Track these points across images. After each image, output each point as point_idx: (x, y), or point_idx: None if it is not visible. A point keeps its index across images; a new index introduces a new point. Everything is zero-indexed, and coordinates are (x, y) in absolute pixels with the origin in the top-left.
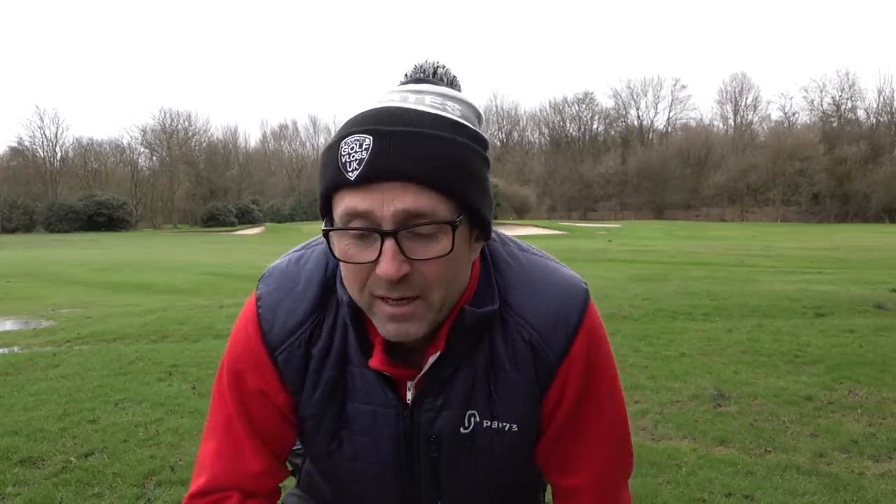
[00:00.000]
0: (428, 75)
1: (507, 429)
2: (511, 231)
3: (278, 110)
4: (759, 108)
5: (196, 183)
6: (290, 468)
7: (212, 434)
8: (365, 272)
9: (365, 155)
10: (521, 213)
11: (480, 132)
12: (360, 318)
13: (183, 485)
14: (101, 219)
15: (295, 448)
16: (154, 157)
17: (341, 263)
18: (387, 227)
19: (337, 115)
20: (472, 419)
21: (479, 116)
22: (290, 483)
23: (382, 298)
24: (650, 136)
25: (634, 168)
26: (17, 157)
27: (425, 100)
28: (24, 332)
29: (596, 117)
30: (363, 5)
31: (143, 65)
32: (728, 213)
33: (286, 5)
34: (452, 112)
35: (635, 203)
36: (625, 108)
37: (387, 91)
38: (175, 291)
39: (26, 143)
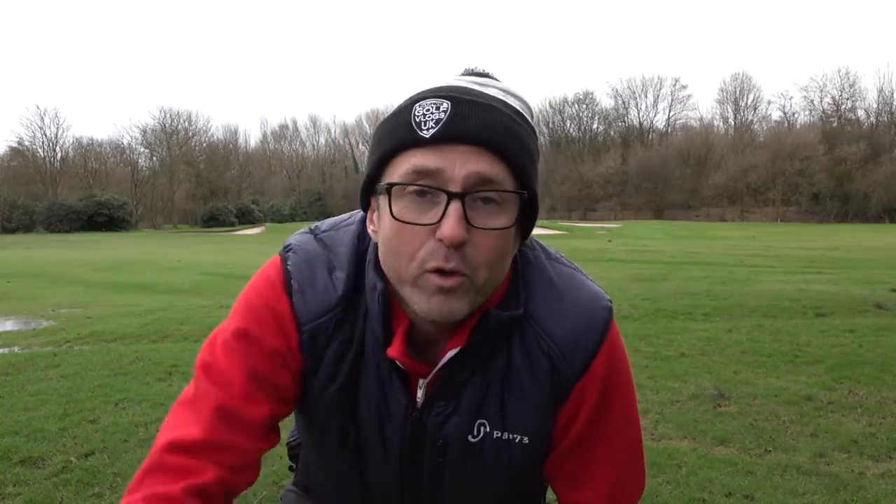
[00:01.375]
0: (483, 75)
1: (517, 441)
2: None
3: (278, 110)
4: (759, 108)
5: (196, 183)
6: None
7: (195, 401)
8: (419, 238)
9: (443, 116)
10: None
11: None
12: (386, 305)
13: None
14: (101, 219)
15: (291, 440)
16: (154, 157)
17: (389, 232)
18: (455, 188)
19: (337, 114)
20: (483, 428)
21: (531, 114)
22: (287, 479)
23: (432, 270)
24: (650, 136)
25: (634, 168)
26: (17, 157)
27: (490, 90)
28: (24, 332)
29: (596, 117)
30: (363, 5)
31: (143, 65)
32: (728, 213)
33: (286, 5)
34: (515, 104)
35: (635, 203)
36: (625, 108)
37: (450, 79)
38: (175, 291)
39: (26, 143)
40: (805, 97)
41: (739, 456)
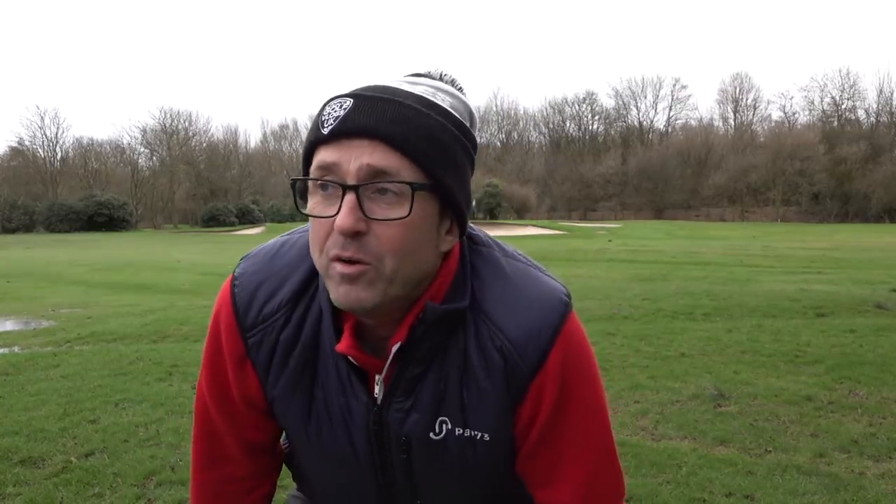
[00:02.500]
0: (424, 75)
1: (479, 438)
2: (511, 231)
3: (278, 110)
4: (759, 108)
5: (196, 183)
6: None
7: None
8: (325, 230)
9: (342, 113)
10: (521, 213)
11: (468, 127)
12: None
13: (183, 484)
14: (102, 219)
15: (286, 445)
16: (154, 158)
17: (310, 226)
18: (350, 181)
19: None
20: (444, 426)
21: (471, 115)
22: (291, 486)
23: (337, 260)
24: (650, 136)
25: (634, 168)
26: (17, 157)
27: (417, 88)
28: (24, 332)
29: (596, 117)
30: (363, 5)
31: (143, 65)
32: (728, 213)
33: (286, 5)
34: (442, 101)
35: (635, 203)
36: (625, 108)
37: (384, 79)
38: (175, 291)
39: (26, 143)
40: (805, 97)
41: (739, 456)
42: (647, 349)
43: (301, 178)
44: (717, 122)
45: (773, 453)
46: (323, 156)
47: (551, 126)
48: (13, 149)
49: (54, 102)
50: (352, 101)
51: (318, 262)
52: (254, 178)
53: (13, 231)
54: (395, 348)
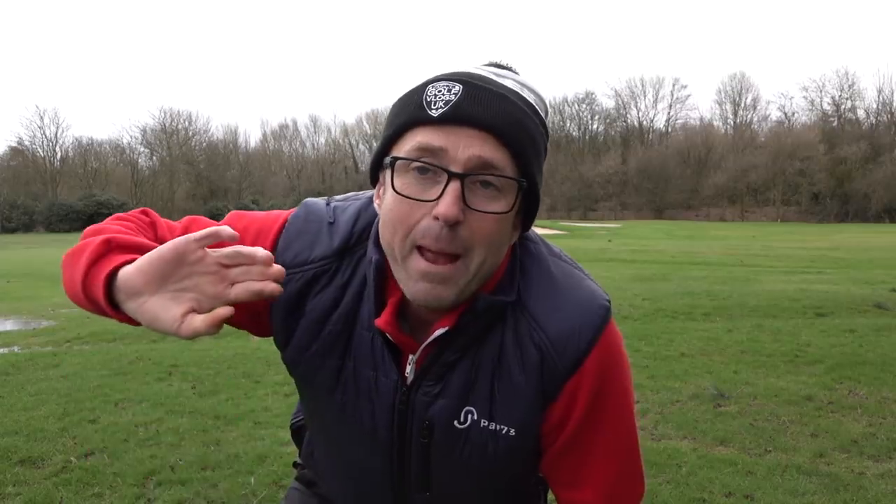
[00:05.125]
0: (505, 67)
1: (504, 432)
2: None
3: (278, 110)
4: (759, 107)
5: (196, 183)
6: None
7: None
8: (417, 214)
9: (453, 98)
10: None
11: (547, 125)
12: (381, 278)
13: (183, 485)
14: (101, 219)
15: (294, 420)
16: (154, 157)
17: (390, 205)
18: (456, 169)
19: (337, 114)
20: (470, 416)
21: (546, 111)
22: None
23: (422, 251)
24: (650, 136)
25: (634, 168)
26: (17, 156)
27: (506, 81)
28: (24, 332)
29: (596, 117)
30: (363, 5)
31: (143, 65)
32: (728, 212)
33: (286, 5)
34: (529, 97)
35: (635, 203)
36: (625, 108)
37: (468, 65)
38: None
39: (26, 143)
40: (805, 97)
41: (739, 456)
42: (647, 349)
43: (405, 158)
44: (717, 122)
45: (773, 453)
46: (428, 138)
47: (551, 126)
48: (13, 149)
49: (54, 102)
50: (461, 86)
51: (400, 245)
52: (253, 178)
53: (13, 231)
54: (437, 332)
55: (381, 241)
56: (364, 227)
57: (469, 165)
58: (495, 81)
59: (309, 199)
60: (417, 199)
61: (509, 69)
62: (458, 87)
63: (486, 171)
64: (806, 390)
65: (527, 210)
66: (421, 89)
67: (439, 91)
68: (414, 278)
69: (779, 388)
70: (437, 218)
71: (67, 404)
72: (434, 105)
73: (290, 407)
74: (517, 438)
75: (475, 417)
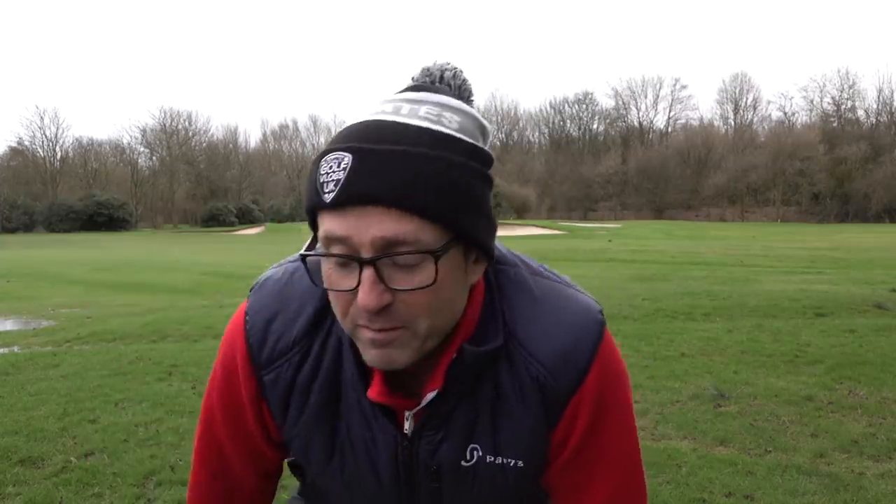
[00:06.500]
0: (434, 80)
1: (511, 464)
2: (511, 231)
3: (278, 110)
4: (759, 108)
5: (196, 183)
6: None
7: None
8: (347, 299)
9: (341, 176)
10: (521, 213)
11: (481, 146)
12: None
13: (183, 484)
14: (101, 219)
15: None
16: (154, 157)
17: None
18: (366, 254)
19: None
20: (475, 453)
21: (482, 128)
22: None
23: (362, 327)
24: (650, 136)
25: (634, 168)
26: (17, 157)
27: (420, 110)
28: (24, 332)
29: (596, 117)
30: (363, 4)
31: (143, 65)
32: (728, 213)
33: (286, 5)
34: (449, 124)
35: (635, 203)
36: (625, 108)
37: (383, 100)
38: (175, 291)
39: (26, 143)
40: (805, 97)
41: (739, 456)
42: (647, 349)
43: (309, 254)
44: (717, 122)
45: (773, 453)
46: (329, 226)
47: (551, 126)
48: (13, 149)
49: (54, 102)
50: (350, 156)
51: (344, 325)
52: (254, 177)
53: (13, 231)
54: (429, 397)
55: None
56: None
57: (376, 247)
58: (400, 129)
59: (259, 280)
60: (341, 291)
61: (435, 83)
62: (346, 159)
63: (393, 252)
64: (806, 390)
65: (477, 245)
66: (316, 165)
67: (330, 168)
68: (365, 346)
69: (779, 388)
70: None
71: (67, 404)
72: (326, 188)
73: None
74: (525, 468)
75: (480, 454)
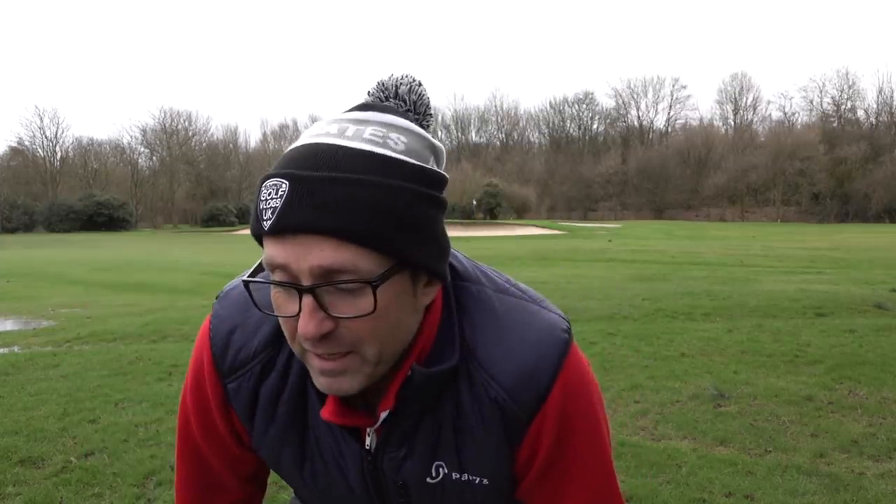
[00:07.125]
0: (389, 95)
1: (477, 482)
2: (511, 231)
3: (278, 110)
4: (759, 108)
5: (196, 183)
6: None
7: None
8: (293, 324)
9: (278, 204)
10: (521, 213)
11: (430, 167)
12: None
13: None
14: (101, 219)
15: None
16: (154, 157)
17: None
18: (305, 282)
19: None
20: (441, 470)
21: (432, 148)
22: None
23: (312, 352)
24: (650, 136)
25: (634, 168)
26: (17, 157)
27: (366, 132)
28: (24, 332)
29: (596, 117)
30: (363, 4)
31: (143, 65)
32: (728, 213)
33: (286, 5)
34: (395, 146)
35: (635, 203)
36: (625, 108)
37: (330, 120)
38: (175, 291)
39: (26, 143)
40: (805, 97)
41: (739, 456)
42: (647, 349)
43: (251, 280)
44: (717, 122)
45: (773, 453)
46: (270, 252)
47: (551, 126)
48: (13, 149)
49: (54, 102)
50: (287, 184)
51: (294, 349)
52: (254, 177)
53: (13, 231)
54: (383, 416)
55: None
56: None
57: (315, 275)
58: (338, 152)
59: (224, 290)
60: (285, 316)
61: (390, 98)
62: (284, 187)
63: (332, 280)
64: (806, 390)
65: (425, 269)
66: (258, 190)
67: (269, 194)
68: (315, 374)
69: (779, 388)
70: None
71: (67, 404)
72: (264, 215)
73: None
74: (491, 486)
75: (446, 471)
